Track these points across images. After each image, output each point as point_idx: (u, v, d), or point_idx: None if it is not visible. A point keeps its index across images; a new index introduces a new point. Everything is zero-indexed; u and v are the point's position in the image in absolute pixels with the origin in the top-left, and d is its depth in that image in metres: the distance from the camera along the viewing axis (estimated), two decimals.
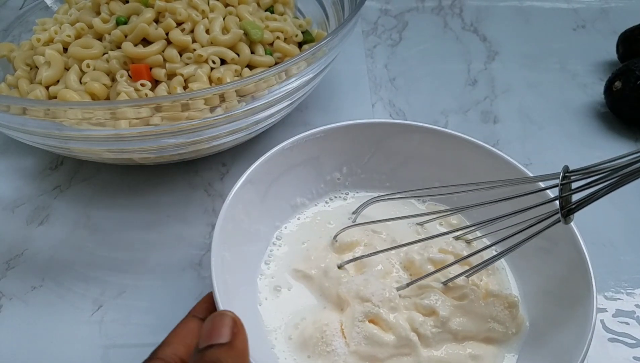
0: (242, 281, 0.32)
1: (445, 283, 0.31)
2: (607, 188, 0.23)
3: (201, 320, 0.27)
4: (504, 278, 0.34)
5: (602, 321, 0.36)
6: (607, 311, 0.37)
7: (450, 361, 0.29)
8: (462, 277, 0.31)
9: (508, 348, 0.31)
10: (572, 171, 0.25)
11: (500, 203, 0.29)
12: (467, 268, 0.31)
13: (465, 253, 0.33)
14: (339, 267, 0.33)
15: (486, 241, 0.35)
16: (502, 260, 0.34)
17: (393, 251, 0.33)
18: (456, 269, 0.31)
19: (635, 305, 0.37)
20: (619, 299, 0.38)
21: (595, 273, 0.29)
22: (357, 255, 0.33)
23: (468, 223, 0.35)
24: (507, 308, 0.31)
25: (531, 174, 0.33)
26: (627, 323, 0.36)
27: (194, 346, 0.24)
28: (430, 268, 0.32)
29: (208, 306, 0.28)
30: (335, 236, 0.34)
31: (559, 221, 0.25)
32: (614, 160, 0.23)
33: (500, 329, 0.30)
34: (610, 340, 0.35)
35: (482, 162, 0.35)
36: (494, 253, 0.32)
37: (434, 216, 0.34)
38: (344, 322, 0.30)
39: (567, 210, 0.25)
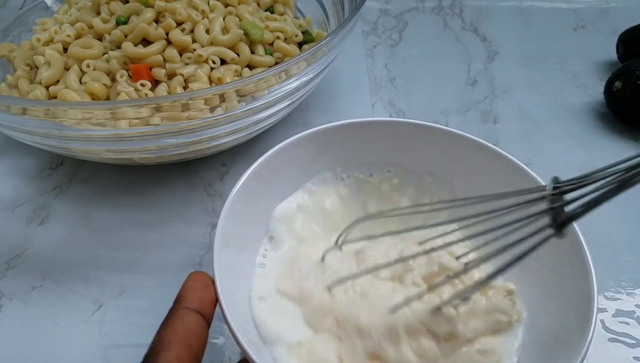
0: (243, 279, 0.32)
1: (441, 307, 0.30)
2: (604, 195, 0.22)
3: (197, 313, 0.25)
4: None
5: (602, 321, 0.36)
6: (607, 311, 0.37)
7: (460, 361, 0.29)
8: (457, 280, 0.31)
9: (512, 338, 0.30)
10: (563, 182, 0.24)
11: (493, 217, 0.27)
12: (459, 286, 0.31)
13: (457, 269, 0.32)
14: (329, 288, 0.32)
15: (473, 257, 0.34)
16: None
17: (385, 263, 0.32)
18: (448, 290, 0.31)
19: (635, 305, 0.37)
20: (619, 299, 0.38)
21: (595, 273, 0.29)
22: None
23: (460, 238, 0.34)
24: (507, 296, 0.31)
25: (533, 174, 0.33)
26: (627, 323, 0.36)
27: (198, 349, 0.23)
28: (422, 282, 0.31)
29: (200, 295, 0.26)
30: (323, 258, 0.33)
31: (552, 236, 0.23)
32: (608, 167, 0.22)
33: (504, 319, 0.30)
34: (610, 340, 0.35)
35: (483, 160, 0.35)
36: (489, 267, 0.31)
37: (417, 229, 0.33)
38: (343, 358, 0.29)
39: (560, 223, 0.23)
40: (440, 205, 0.32)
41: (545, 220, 0.23)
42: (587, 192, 0.22)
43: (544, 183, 0.32)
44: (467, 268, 0.29)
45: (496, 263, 0.27)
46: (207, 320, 0.25)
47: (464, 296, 0.29)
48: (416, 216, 0.33)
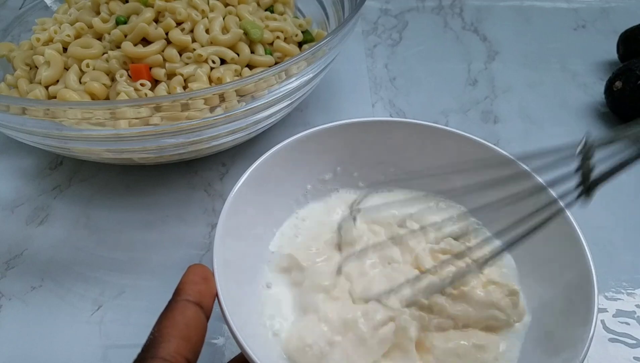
0: (244, 280, 0.32)
1: (450, 283, 0.31)
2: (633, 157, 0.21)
3: (196, 306, 0.25)
4: (504, 272, 0.34)
5: (602, 321, 0.36)
6: (607, 311, 0.37)
7: (455, 353, 0.29)
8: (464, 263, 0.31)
9: (511, 337, 0.30)
10: (596, 141, 0.22)
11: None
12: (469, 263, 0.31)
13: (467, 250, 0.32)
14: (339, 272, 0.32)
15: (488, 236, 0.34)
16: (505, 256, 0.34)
17: (395, 248, 0.33)
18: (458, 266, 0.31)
19: (636, 305, 0.37)
20: (619, 299, 0.38)
21: (595, 273, 0.29)
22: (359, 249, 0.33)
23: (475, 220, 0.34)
24: (508, 295, 0.31)
25: (534, 174, 0.33)
26: (627, 323, 0.36)
27: (196, 342, 0.23)
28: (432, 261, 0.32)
29: (200, 288, 0.25)
30: (339, 228, 0.34)
31: (581, 195, 0.22)
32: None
33: (502, 317, 0.30)
34: (611, 340, 0.35)
35: (483, 159, 0.35)
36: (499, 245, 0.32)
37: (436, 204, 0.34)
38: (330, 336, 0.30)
39: (589, 184, 0.22)
40: (445, 169, 0.32)
41: (575, 180, 0.23)
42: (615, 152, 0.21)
43: (542, 181, 0.32)
44: (476, 245, 0.29)
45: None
46: (206, 312, 0.25)
47: (469, 270, 0.30)
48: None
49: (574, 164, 0.23)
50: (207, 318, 0.25)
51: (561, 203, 0.26)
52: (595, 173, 0.22)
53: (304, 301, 0.31)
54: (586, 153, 0.23)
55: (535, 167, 0.26)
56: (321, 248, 0.34)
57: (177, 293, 0.25)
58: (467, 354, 0.29)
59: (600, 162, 0.22)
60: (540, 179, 0.31)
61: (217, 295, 0.26)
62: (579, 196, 0.23)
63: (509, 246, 0.27)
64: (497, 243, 0.33)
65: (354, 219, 0.35)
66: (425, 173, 0.35)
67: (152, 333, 0.23)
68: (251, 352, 0.25)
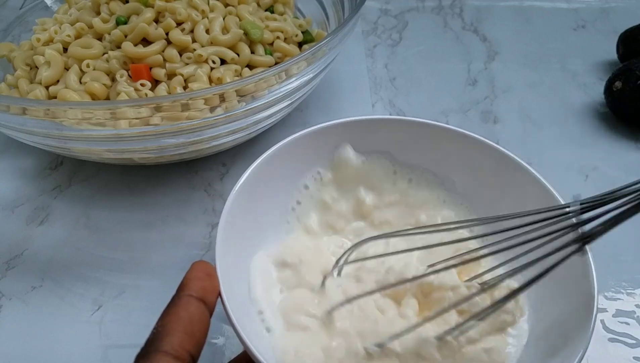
0: (245, 279, 0.32)
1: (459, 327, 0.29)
2: (625, 213, 0.22)
3: (200, 301, 0.25)
4: (498, 271, 0.34)
5: (602, 321, 0.36)
6: (607, 311, 0.37)
7: (466, 359, 0.29)
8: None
9: (517, 335, 0.30)
10: (587, 200, 0.24)
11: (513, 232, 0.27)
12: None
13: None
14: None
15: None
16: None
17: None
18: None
19: (635, 305, 0.37)
20: (619, 299, 0.38)
21: (595, 273, 0.29)
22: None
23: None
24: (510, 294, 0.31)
25: (535, 173, 0.33)
26: (627, 323, 0.36)
27: (200, 337, 0.23)
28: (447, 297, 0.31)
29: (203, 284, 0.26)
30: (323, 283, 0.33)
31: (576, 251, 0.24)
32: (628, 186, 0.23)
33: (509, 318, 0.30)
34: (611, 340, 0.35)
35: (483, 158, 0.35)
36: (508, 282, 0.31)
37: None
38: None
39: (585, 239, 0.24)
40: (454, 225, 0.30)
41: (570, 236, 0.24)
42: (609, 209, 0.23)
43: (544, 181, 0.32)
44: (483, 288, 0.29)
45: (512, 280, 0.27)
46: (210, 308, 0.25)
47: (480, 317, 0.29)
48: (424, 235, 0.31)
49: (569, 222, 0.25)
50: (211, 314, 0.25)
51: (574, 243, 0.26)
52: (588, 229, 0.24)
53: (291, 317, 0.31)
54: (579, 213, 0.24)
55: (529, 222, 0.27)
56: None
57: (180, 289, 0.25)
58: (479, 359, 0.29)
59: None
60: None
61: (219, 293, 0.26)
62: (575, 251, 0.24)
63: (523, 287, 0.27)
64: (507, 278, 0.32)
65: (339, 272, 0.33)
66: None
67: (155, 328, 0.23)
68: (255, 350, 0.25)
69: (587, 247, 0.29)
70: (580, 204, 0.24)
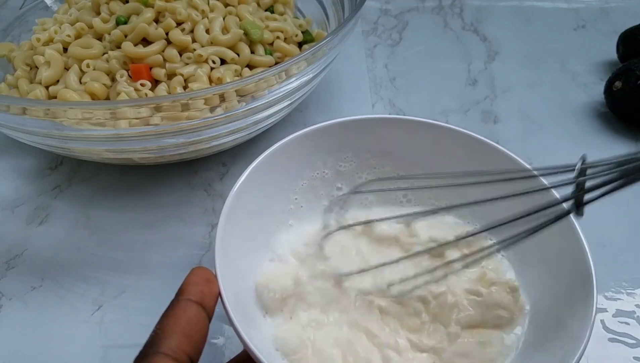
0: (245, 279, 0.32)
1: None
2: (624, 180, 0.22)
3: (198, 306, 0.25)
4: (502, 268, 0.34)
5: (602, 321, 0.36)
6: (607, 311, 0.37)
7: (462, 353, 0.30)
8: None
9: (514, 332, 0.31)
10: (589, 164, 0.24)
11: (504, 200, 0.28)
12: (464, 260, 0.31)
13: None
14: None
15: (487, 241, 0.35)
16: (501, 254, 0.34)
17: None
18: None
19: (635, 305, 0.37)
20: (619, 299, 0.38)
21: (595, 273, 0.29)
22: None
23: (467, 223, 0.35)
24: (510, 293, 0.31)
25: (535, 172, 0.33)
26: (627, 323, 0.36)
27: (198, 340, 0.24)
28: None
29: (202, 289, 0.26)
30: (321, 244, 0.34)
31: (570, 212, 0.24)
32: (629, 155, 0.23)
33: (506, 315, 0.31)
34: (610, 340, 0.35)
35: (483, 158, 0.35)
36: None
37: (426, 215, 0.34)
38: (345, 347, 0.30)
39: (581, 202, 0.24)
40: (447, 181, 0.32)
41: (568, 195, 0.24)
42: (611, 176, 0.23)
43: (544, 181, 0.32)
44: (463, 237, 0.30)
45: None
46: (209, 313, 0.25)
47: (466, 263, 0.30)
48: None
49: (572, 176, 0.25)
50: (209, 318, 0.25)
51: (565, 206, 0.26)
52: (587, 192, 0.25)
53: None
54: (580, 173, 0.24)
55: (535, 171, 0.28)
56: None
57: (179, 293, 0.26)
58: (473, 352, 0.29)
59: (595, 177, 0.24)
60: (544, 181, 0.31)
61: (219, 294, 0.27)
62: (569, 211, 0.24)
63: (504, 246, 0.28)
64: (490, 242, 0.33)
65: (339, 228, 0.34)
66: (423, 176, 0.36)
67: (154, 331, 0.24)
68: (255, 349, 0.25)
69: (583, 239, 0.29)
70: (582, 164, 0.24)
